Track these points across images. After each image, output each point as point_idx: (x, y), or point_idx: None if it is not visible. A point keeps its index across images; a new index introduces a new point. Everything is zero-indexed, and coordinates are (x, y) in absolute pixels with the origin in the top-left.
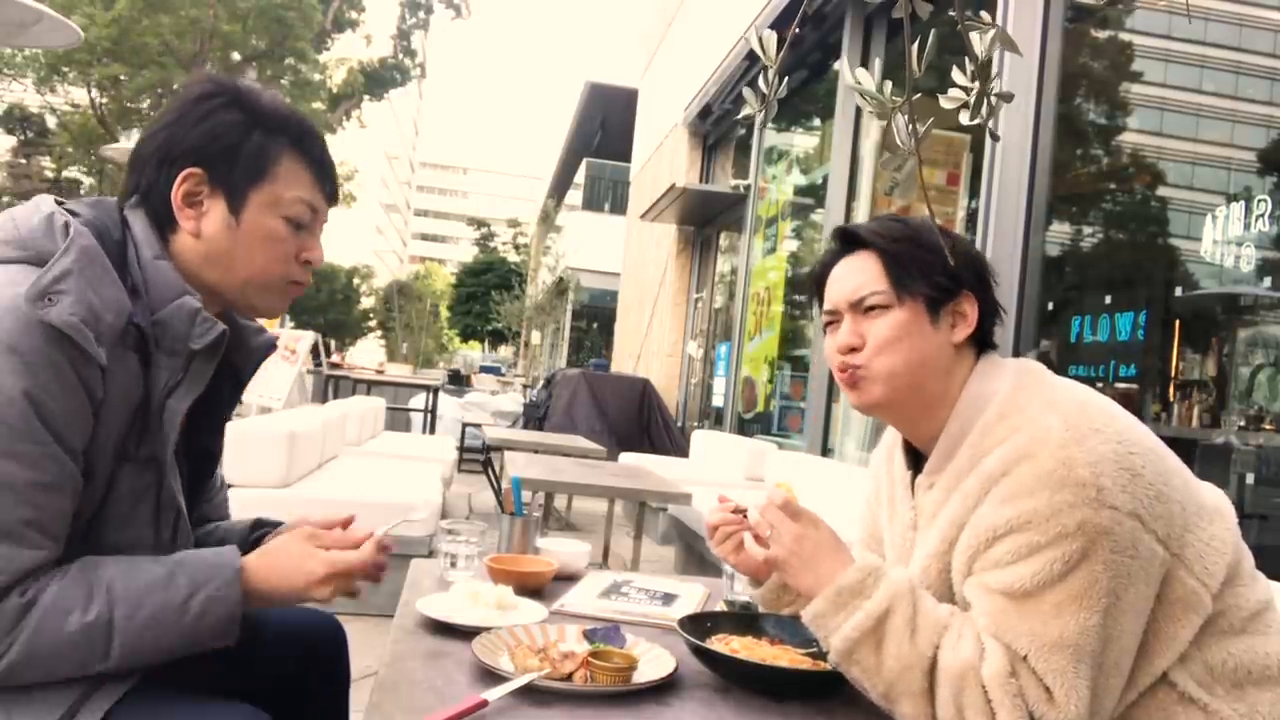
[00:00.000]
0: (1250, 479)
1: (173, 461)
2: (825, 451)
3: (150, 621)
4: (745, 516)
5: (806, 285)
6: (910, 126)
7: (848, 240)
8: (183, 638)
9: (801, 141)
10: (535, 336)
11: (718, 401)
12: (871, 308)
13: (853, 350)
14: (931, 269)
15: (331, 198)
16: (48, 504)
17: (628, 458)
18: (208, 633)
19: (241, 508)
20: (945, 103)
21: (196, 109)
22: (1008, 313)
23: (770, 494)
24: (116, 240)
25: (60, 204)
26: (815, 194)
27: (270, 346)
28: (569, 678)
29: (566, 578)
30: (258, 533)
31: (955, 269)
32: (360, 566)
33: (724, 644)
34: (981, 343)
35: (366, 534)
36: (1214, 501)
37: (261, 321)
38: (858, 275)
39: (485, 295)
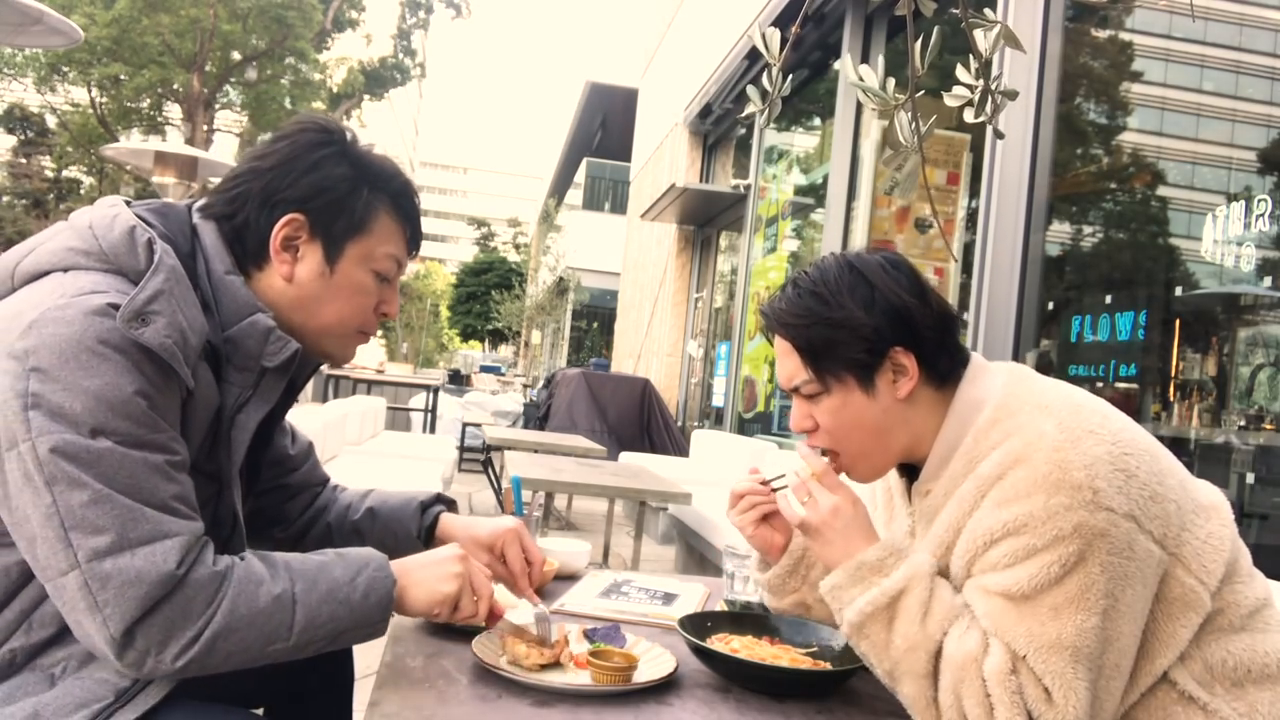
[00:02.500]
0: (1250, 479)
1: (235, 476)
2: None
3: (327, 596)
4: (774, 491)
5: None
6: (913, 124)
7: (769, 323)
8: (352, 615)
9: (801, 141)
10: (535, 336)
11: (718, 401)
12: (808, 395)
13: (809, 431)
14: (848, 347)
15: (414, 250)
16: (184, 480)
17: (628, 458)
18: (370, 612)
19: None
20: (950, 100)
21: (307, 157)
22: (966, 320)
23: (807, 457)
24: (187, 254)
25: (129, 205)
26: (815, 193)
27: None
28: (556, 664)
29: (566, 578)
30: (431, 512)
31: (876, 331)
32: (488, 587)
33: (724, 643)
34: (945, 370)
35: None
36: (1210, 499)
37: None
38: (784, 362)
39: (485, 295)
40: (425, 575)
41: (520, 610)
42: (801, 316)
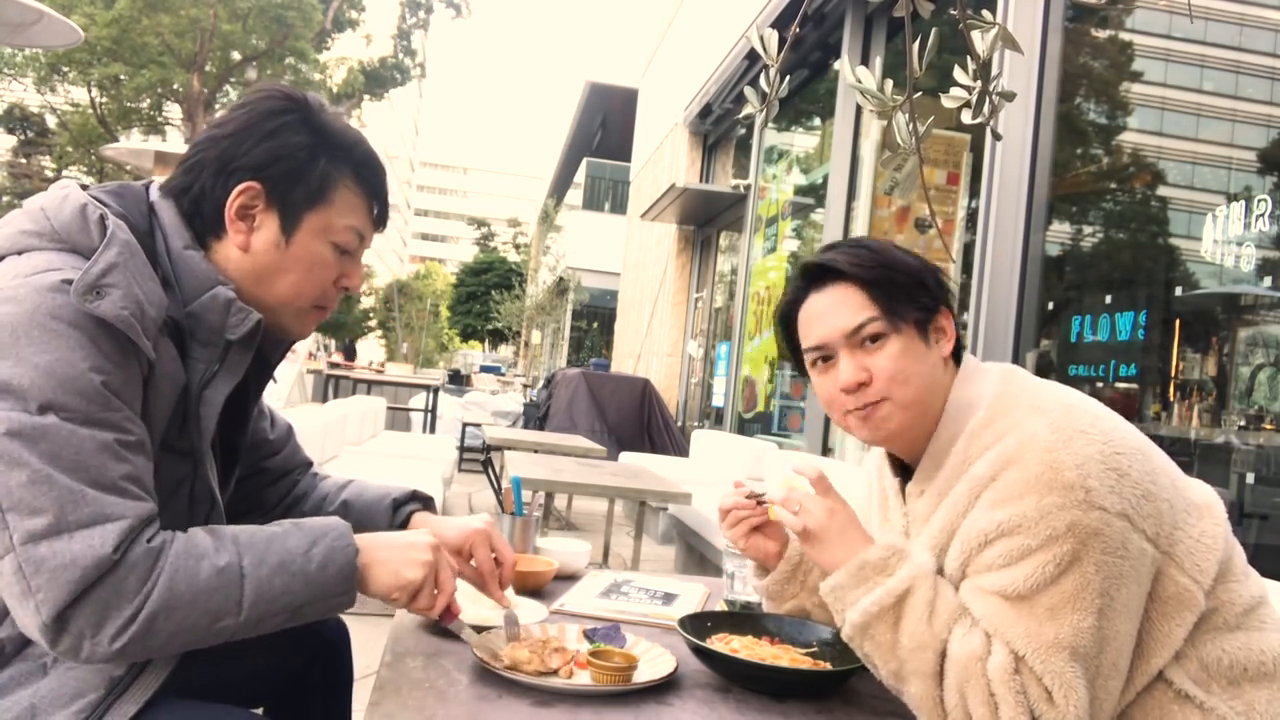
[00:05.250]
0: (1250, 478)
1: (209, 453)
2: (825, 451)
3: (278, 568)
4: (759, 503)
5: (774, 323)
6: (911, 125)
7: (820, 274)
8: (309, 587)
9: (801, 141)
10: (535, 336)
11: (718, 401)
12: (870, 338)
13: (861, 386)
14: (914, 291)
15: (380, 224)
16: (137, 460)
17: (628, 458)
18: (329, 584)
19: None
20: (947, 102)
21: (265, 124)
22: (966, 321)
23: (800, 470)
24: (145, 231)
25: (84, 189)
26: (815, 193)
27: None
28: (555, 673)
29: (566, 578)
30: (403, 510)
31: (934, 283)
32: (450, 584)
33: (724, 643)
34: (958, 350)
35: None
36: (1203, 498)
37: None
38: (844, 307)
39: (485, 295)
40: (392, 556)
41: (525, 608)
42: (865, 259)
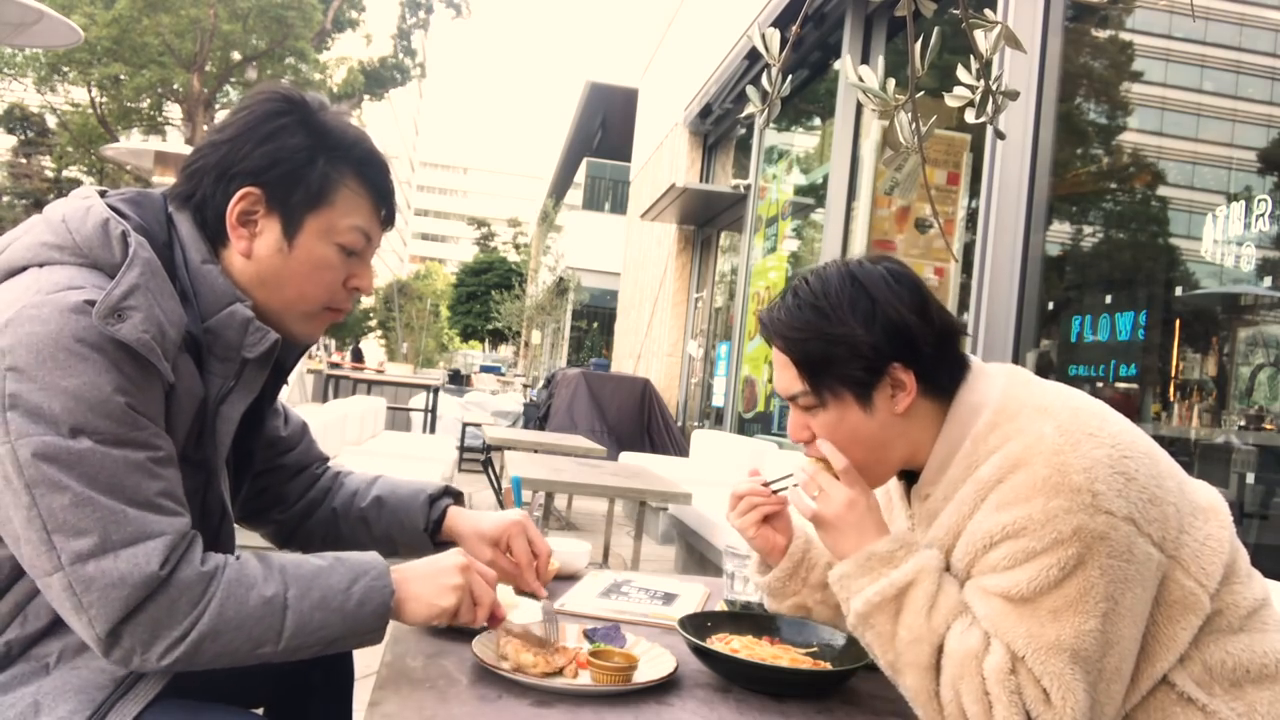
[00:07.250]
0: (1250, 478)
1: (222, 466)
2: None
3: (319, 603)
4: (775, 493)
5: None
6: (913, 125)
7: (766, 332)
8: (345, 623)
9: (802, 141)
10: (535, 336)
11: (718, 401)
12: (805, 407)
13: (806, 441)
14: (846, 364)
15: (387, 223)
16: (169, 474)
17: (628, 458)
18: (365, 621)
19: None
20: (951, 101)
21: (263, 127)
22: (969, 334)
23: (830, 454)
24: (163, 243)
25: (103, 195)
26: (815, 193)
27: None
28: (560, 672)
29: (566, 578)
30: (439, 505)
31: (875, 349)
32: (488, 595)
33: (724, 643)
34: (945, 384)
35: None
36: (1208, 501)
37: None
38: (782, 373)
39: (485, 295)
40: (424, 588)
41: (525, 608)
42: (800, 330)
